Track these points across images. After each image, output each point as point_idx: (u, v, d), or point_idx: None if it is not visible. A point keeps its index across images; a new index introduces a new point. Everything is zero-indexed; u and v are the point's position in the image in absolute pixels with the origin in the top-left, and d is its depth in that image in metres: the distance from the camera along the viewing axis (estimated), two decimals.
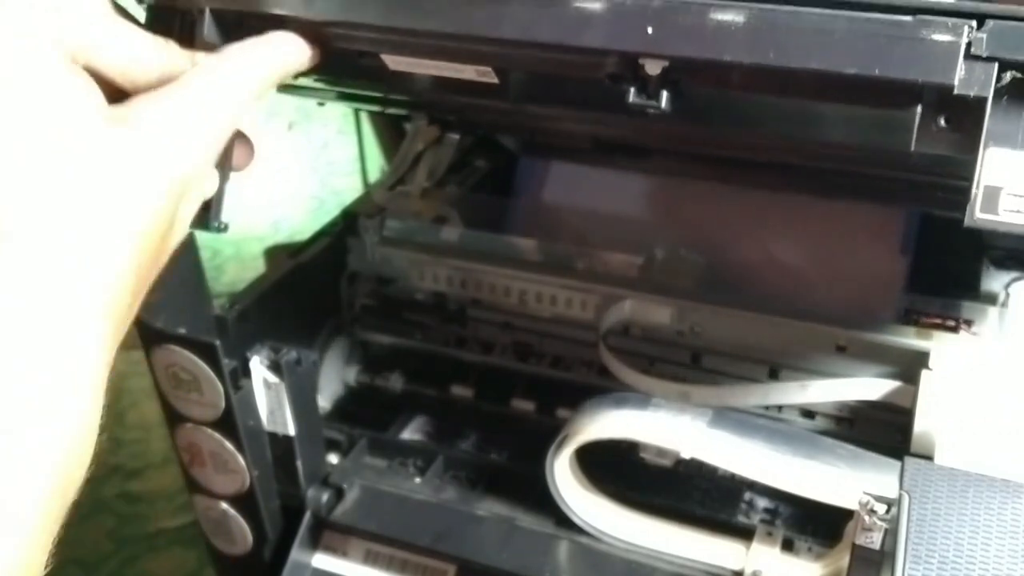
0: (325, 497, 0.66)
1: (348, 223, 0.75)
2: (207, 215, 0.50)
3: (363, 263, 0.76)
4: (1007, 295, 0.66)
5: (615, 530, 0.62)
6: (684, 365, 0.68)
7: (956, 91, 0.37)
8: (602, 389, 0.65)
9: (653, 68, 0.42)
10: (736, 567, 0.60)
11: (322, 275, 0.74)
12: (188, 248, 0.63)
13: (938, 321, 0.61)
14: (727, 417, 0.61)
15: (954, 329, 0.60)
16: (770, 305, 0.64)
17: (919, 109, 0.40)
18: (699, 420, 0.60)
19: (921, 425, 0.55)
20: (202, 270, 0.65)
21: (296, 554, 0.65)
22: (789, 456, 0.58)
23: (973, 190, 0.39)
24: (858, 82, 0.38)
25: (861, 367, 0.62)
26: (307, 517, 0.66)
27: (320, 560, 0.67)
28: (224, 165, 0.48)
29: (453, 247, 0.74)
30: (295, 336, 0.64)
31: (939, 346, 0.58)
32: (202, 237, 0.62)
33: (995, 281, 0.68)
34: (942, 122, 0.40)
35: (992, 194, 0.39)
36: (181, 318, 0.60)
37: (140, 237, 0.34)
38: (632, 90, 0.43)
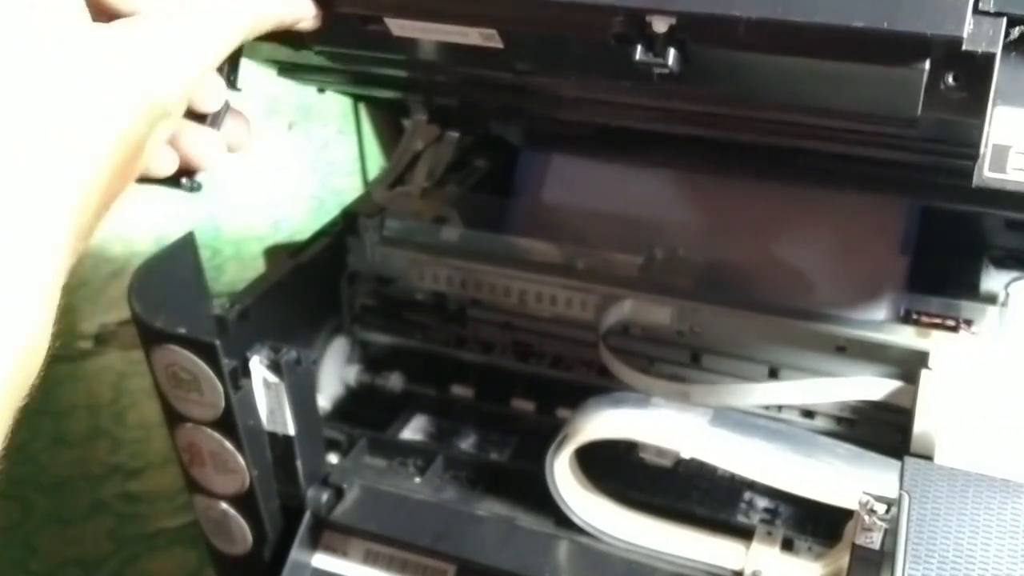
0: (325, 497, 0.66)
1: (348, 223, 0.75)
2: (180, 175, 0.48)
3: (363, 263, 0.76)
4: (1007, 295, 0.66)
5: (615, 530, 0.62)
6: (684, 365, 0.68)
7: (964, 46, 0.37)
8: (602, 389, 0.65)
9: (660, 25, 0.41)
10: (736, 567, 0.60)
11: (322, 275, 0.74)
12: (188, 248, 0.63)
13: (938, 321, 0.61)
14: (727, 417, 0.61)
15: (954, 329, 0.60)
16: (770, 305, 0.64)
17: (927, 66, 0.39)
18: (699, 420, 0.60)
19: (921, 425, 0.55)
20: (202, 270, 0.65)
21: (296, 554, 0.65)
22: (789, 456, 0.58)
23: (981, 149, 0.38)
24: (865, 37, 0.38)
25: (861, 367, 0.62)
26: (307, 517, 0.66)
27: (320, 560, 0.67)
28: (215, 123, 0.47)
29: (453, 247, 0.74)
30: (295, 336, 0.64)
31: (939, 346, 0.58)
32: (202, 237, 0.63)
33: (995, 281, 0.68)
34: (950, 79, 0.40)
35: (1001, 152, 0.39)
36: (181, 318, 0.60)
37: (107, 153, 0.33)
38: (639, 48, 0.42)
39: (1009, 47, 0.37)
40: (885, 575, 0.46)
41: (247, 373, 0.61)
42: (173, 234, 0.63)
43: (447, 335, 0.76)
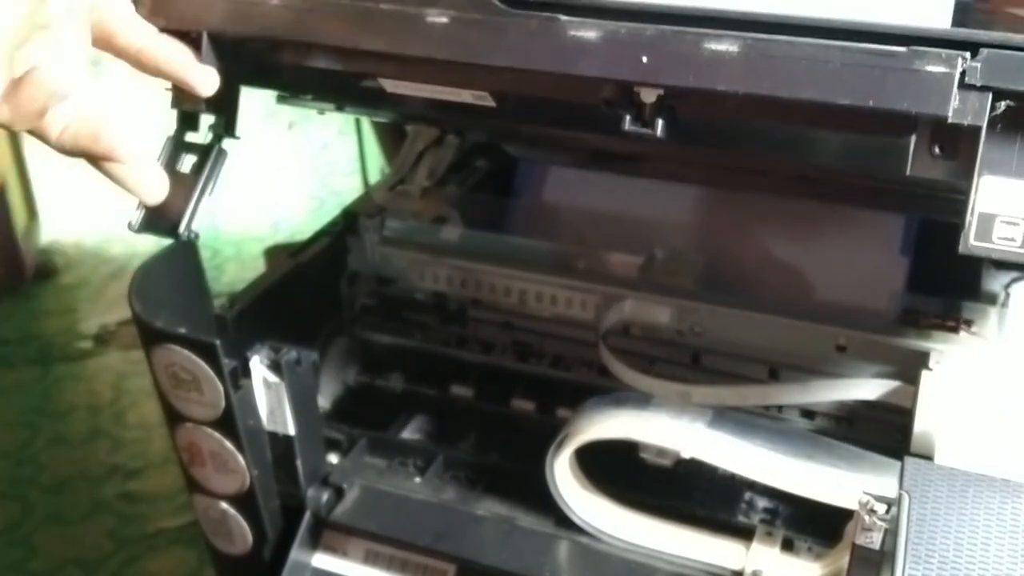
0: (325, 497, 0.66)
1: (348, 223, 0.75)
2: (178, 223, 0.53)
3: (363, 263, 0.76)
4: (1007, 295, 0.66)
5: (615, 530, 0.62)
6: (684, 365, 0.68)
7: (950, 120, 0.38)
8: (602, 389, 0.65)
9: (648, 96, 0.43)
10: (736, 567, 0.60)
11: (322, 275, 0.74)
12: (188, 248, 0.63)
13: (938, 321, 0.61)
14: (727, 417, 0.61)
15: (954, 329, 0.60)
16: (770, 305, 0.64)
17: (913, 138, 0.41)
18: (699, 420, 0.60)
19: (921, 425, 0.55)
20: (202, 270, 0.65)
21: (296, 554, 0.65)
22: (789, 456, 0.58)
23: (967, 218, 0.39)
24: (852, 112, 0.39)
25: (861, 367, 0.62)
26: (307, 517, 0.66)
27: (320, 560, 0.67)
28: (206, 184, 0.52)
29: (453, 247, 0.74)
30: (295, 336, 0.64)
31: (939, 346, 0.58)
32: (202, 237, 0.62)
33: (995, 281, 0.68)
34: (937, 150, 0.41)
35: (986, 221, 0.39)
36: (181, 318, 0.60)
37: None
38: (628, 118, 0.44)
39: (995, 120, 0.38)
40: (885, 575, 0.46)
41: (247, 373, 0.61)
42: None
43: (447, 335, 0.76)
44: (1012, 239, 0.39)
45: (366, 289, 0.77)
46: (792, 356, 0.65)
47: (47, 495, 1.50)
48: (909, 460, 0.47)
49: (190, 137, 0.55)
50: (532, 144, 0.81)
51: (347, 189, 2.20)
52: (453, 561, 0.63)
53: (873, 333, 0.61)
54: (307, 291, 0.72)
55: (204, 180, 0.53)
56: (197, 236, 0.54)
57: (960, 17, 0.39)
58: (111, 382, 1.75)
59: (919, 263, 0.71)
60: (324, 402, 0.75)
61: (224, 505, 0.65)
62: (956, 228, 0.40)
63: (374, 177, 2.04)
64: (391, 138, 1.25)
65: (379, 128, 1.56)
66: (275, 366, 0.61)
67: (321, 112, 0.82)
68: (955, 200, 0.42)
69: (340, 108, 0.67)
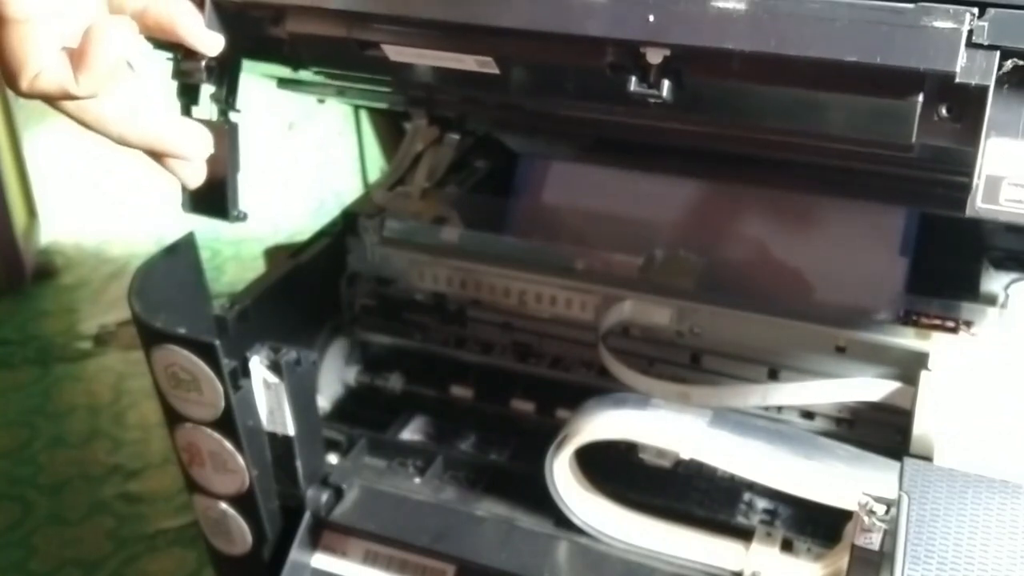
0: (325, 497, 0.66)
1: (348, 223, 0.75)
2: (225, 204, 0.54)
3: (363, 263, 0.76)
4: (1006, 296, 0.66)
5: (614, 530, 0.62)
6: (684, 366, 0.68)
7: (958, 79, 0.37)
8: (602, 389, 0.65)
9: (654, 57, 0.42)
10: (735, 567, 0.60)
11: (322, 275, 0.74)
12: (188, 248, 0.63)
13: (938, 322, 0.61)
14: (726, 418, 0.61)
15: (954, 330, 0.60)
16: (770, 306, 0.64)
17: (920, 98, 0.40)
18: (698, 421, 0.60)
19: (920, 426, 0.55)
20: (202, 270, 0.65)
21: (295, 554, 0.65)
22: (788, 457, 0.58)
23: (974, 180, 0.39)
24: (859, 70, 0.38)
25: (861, 368, 0.62)
26: (306, 517, 0.66)
27: (319, 560, 0.67)
28: (233, 161, 0.52)
29: (453, 247, 0.74)
30: (295, 336, 0.64)
31: (938, 347, 0.58)
32: (202, 238, 0.63)
33: (995, 282, 0.68)
34: (943, 111, 0.40)
35: (993, 184, 0.39)
36: (181, 318, 0.60)
37: None
38: (633, 79, 0.43)
39: (1002, 79, 0.38)
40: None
41: (247, 373, 0.61)
42: (173, 235, 0.63)
43: (447, 335, 0.76)
44: (1019, 201, 0.38)
45: (366, 289, 0.77)
46: (791, 357, 0.65)
47: (47, 495, 1.50)
48: (908, 461, 0.47)
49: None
50: (533, 133, 0.81)
51: (347, 189, 2.20)
52: (453, 561, 0.63)
53: (873, 334, 0.61)
54: (307, 291, 0.72)
55: (229, 158, 0.53)
56: (246, 216, 0.55)
57: None
58: (111, 382, 1.75)
59: (918, 264, 0.71)
60: (324, 402, 0.75)
61: (224, 505, 0.65)
62: (956, 227, 0.40)
63: (374, 177, 2.04)
64: (391, 138, 1.25)
65: (379, 128, 1.56)
66: (275, 366, 0.61)
67: (321, 100, 0.81)
68: (956, 186, 0.41)
69: (341, 93, 0.66)
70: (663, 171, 0.78)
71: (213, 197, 0.54)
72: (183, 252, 0.63)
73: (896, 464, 0.47)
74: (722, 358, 0.67)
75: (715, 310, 0.65)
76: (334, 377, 0.77)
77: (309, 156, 2.39)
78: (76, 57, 0.45)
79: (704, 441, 0.59)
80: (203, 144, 0.52)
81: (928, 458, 0.50)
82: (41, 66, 0.45)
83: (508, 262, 0.71)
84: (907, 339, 0.60)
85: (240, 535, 0.66)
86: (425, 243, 0.74)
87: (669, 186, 0.79)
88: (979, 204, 0.39)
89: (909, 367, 0.59)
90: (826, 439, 0.61)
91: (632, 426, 0.60)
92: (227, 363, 0.58)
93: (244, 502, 0.64)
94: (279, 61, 0.55)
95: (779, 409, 0.66)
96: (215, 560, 0.69)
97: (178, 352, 0.59)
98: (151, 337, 0.60)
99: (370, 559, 0.66)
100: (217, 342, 0.57)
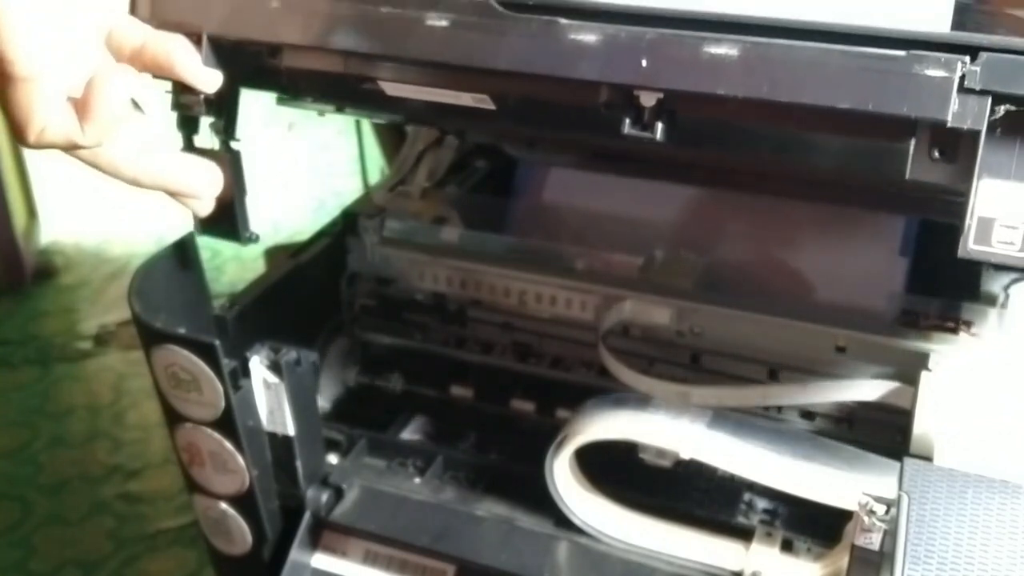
0: (325, 497, 0.66)
1: (348, 223, 0.75)
2: (236, 227, 0.56)
3: (363, 263, 0.76)
4: (1007, 296, 0.66)
5: (614, 530, 0.62)
6: (683, 366, 0.68)
7: (949, 124, 0.38)
8: (602, 389, 0.65)
9: (648, 99, 0.43)
10: (735, 567, 0.60)
11: (322, 275, 0.74)
12: (188, 248, 0.63)
13: (937, 322, 0.61)
14: (726, 418, 0.61)
15: (954, 330, 0.60)
16: (770, 306, 0.64)
17: (913, 142, 0.41)
18: (698, 421, 0.60)
19: (920, 426, 0.55)
20: (202, 270, 0.65)
21: (295, 554, 0.65)
22: (788, 457, 0.58)
23: (967, 221, 0.39)
24: (852, 115, 0.39)
25: (861, 368, 0.62)
26: (307, 517, 0.66)
27: (319, 560, 0.67)
28: (239, 187, 0.55)
29: (453, 247, 0.74)
30: (295, 336, 0.64)
31: (938, 347, 0.58)
32: (202, 238, 0.63)
33: (995, 282, 0.68)
34: (936, 154, 0.41)
35: (986, 225, 0.39)
36: (181, 318, 0.60)
37: None
38: (627, 120, 0.44)
39: (994, 124, 0.38)
40: None
41: (247, 373, 0.61)
42: (173, 235, 0.63)
43: (447, 335, 0.76)
44: (1011, 243, 0.39)
45: (366, 289, 0.77)
46: (792, 357, 0.65)
47: (47, 495, 1.50)
48: (908, 461, 0.47)
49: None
50: (532, 145, 0.81)
51: (347, 190, 2.20)
52: (452, 561, 0.63)
53: (873, 334, 0.61)
54: (307, 291, 0.72)
55: (235, 185, 0.55)
56: (258, 237, 0.57)
57: (960, 19, 0.39)
58: (111, 382, 1.75)
59: (918, 264, 0.71)
60: (324, 402, 0.75)
61: (224, 505, 0.65)
62: (955, 228, 0.40)
63: (374, 177, 2.04)
64: (391, 138, 1.25)
65: (379, 128, 1.56)
66: (275, 366, 0.61)
67: (321, 113, 0.82)
68: (954, 202, 0.42)
69: (340, 110, 0.67)
70: (661, 179, 0.78)
71: (224, 221, 0.56)
72: (183, 252, 0.63)
73: (896, 464, 0.47)
74: (722, 358, 0.67)
75: (715, 310, 0.65)
76: (334, 377, 0.77)
77: (309, 157, 2.39)
78: (81, 107, 0.46)
79: (704, 441, 0.59)
80: (213, 181, 0.54)
81: (928, 458, 0.50)
82: (47, 120, 0.46)
83: (508, 262, 0.71)
84: (907, 339, 0.60)
85: (240, 535, 0.66)
86: (425, 243, 0.74)
87: (669, 187, 0.79)
88: (971, 246, 0.39)
89: (909, 367, 0.59)
90: (826, 439, 0.61)
91: (632, 426, 0.60)
92: (227, 363, 0.58)
93: (244, 502, 0.64)
94: (277, 90, 0.56)
95: (779, 409, 0.66)
96: (215, 560, 0.69)
97: (178, 352, 0.59)
98: (151, 337, 0.60)
99: (370, 559, 0.66)
100: (217, 342, 0.57)
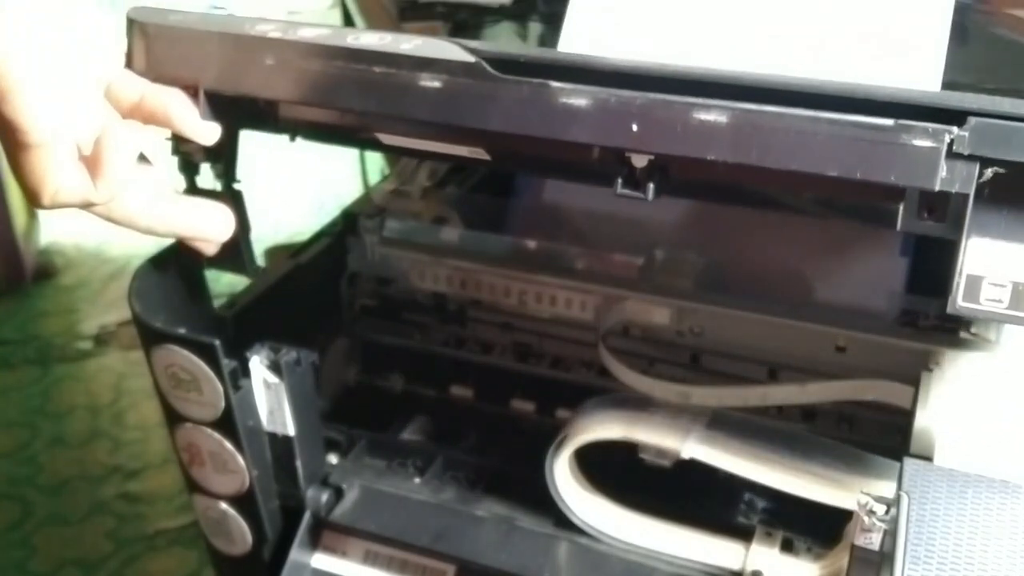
0: (325, 497, 0.66)
1: (348, 223, 0.75)
2: (243, 261, 0.59)
3: (363, 263, 0.76)
4: None
5: (615, 530, 0.62)
6: (683, 366, 0.68)
7: (938, 188, 0.38)
8: (602, 389, 0.65)
9: (639, 160, 0.44)
10: (735, 567, 0.60)
11: (322, 275, 0.74)
12: (188, 248, 0.63)
13: (937, 322, 0.61)
14: (726, 418, 0.61)
15: (954, 331, 0.60)
16: (770, 306, 0.64)
17: (902, 204, 0.41)
18: (698, 421, 0.60)
19: (920, 426, 0.55)
20: (202, 270, 0.65)
21: (296, 554, 0.65)
22: (788, 457, 0.58)
23: (955, 279, 0.39)
24: (840, 180, 0.39)
25: (860, 368, 0.62)
26: (307, 517, 0.66)
27: (319, 560, 0.67)
28: (243, 225, 0.57)
29: (453, 247, 0.74)
30: (295, 336, 0.64)
31: (938, 347, 0.58)
32: None
33: None
34: (925, 215, 0.41)
35: (974, 283, 0.39)
36: (181, 318, 0.60)
37: None
38: (619, 181, 0.45)
39: (983, 186, 0.38)
40: None
41: (247, 373, 0.61)
42: None
43: (447, 335, 0.76)
44: (999, 300, 0.39)
45: (366, 289, 0.77)
46: (791, 357, 0.65)
47: (47, 495, 1.50)
48: (908, 461, 0.47)
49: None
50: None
51: (347, 190, 2.20)
52: (453, 561, 0.63)
53: (873, 334, 0.61)
54: (307, 292, 0.72)
55: (240, 223, 0.57)
56: (263, 269, 0.62)
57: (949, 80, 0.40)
58: (111, 383, 1.75)
59: (918, 264, 0.71)
60: (324, 402, 0.75)
61: (224, 505, 0.65)
62: None
63: (374, 178, 2.04)
64: None
65: None
66: (275, 366, 0.61)
67: None
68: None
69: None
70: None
71: (230, 255, 0.58)
72: (183, 252, 0.63)
73: (896, 464, 0.47)
74: (722, 358, 0.67)
75: (715, 310, 0.65)
76: (334, 377, 0.77)
77: (309, 156, 2.39)
78: (92, 166, 0.47)
79: (704, 441, 0.59)
80: (227, 224, 0.56)
81: (928, 458, 0.50)
82: (61, 183, 0.46)
83: (508, 262, 0.71)
84: (907, 339, 0.60)
85: (240, 535, 0.66)
86: (425, 243, 0.74)
87: None
88: (960, 303, 0.40)
89: (909, 367, 0.59)
90: (826, 439, 0.61)
91: (632, 426, 0.60)
92: (227, 363, 0.58)
93: (244, 502, 0.64)
94: (275, 132, 0.56)
95: (779, 409, 0.66)
96: (215, 560, 0.69)
97: (178, 352, 0.59)
98: (151, 337, 0.60)
99: (370, 559, 0.66)
100: (217, 342, 0.58)
